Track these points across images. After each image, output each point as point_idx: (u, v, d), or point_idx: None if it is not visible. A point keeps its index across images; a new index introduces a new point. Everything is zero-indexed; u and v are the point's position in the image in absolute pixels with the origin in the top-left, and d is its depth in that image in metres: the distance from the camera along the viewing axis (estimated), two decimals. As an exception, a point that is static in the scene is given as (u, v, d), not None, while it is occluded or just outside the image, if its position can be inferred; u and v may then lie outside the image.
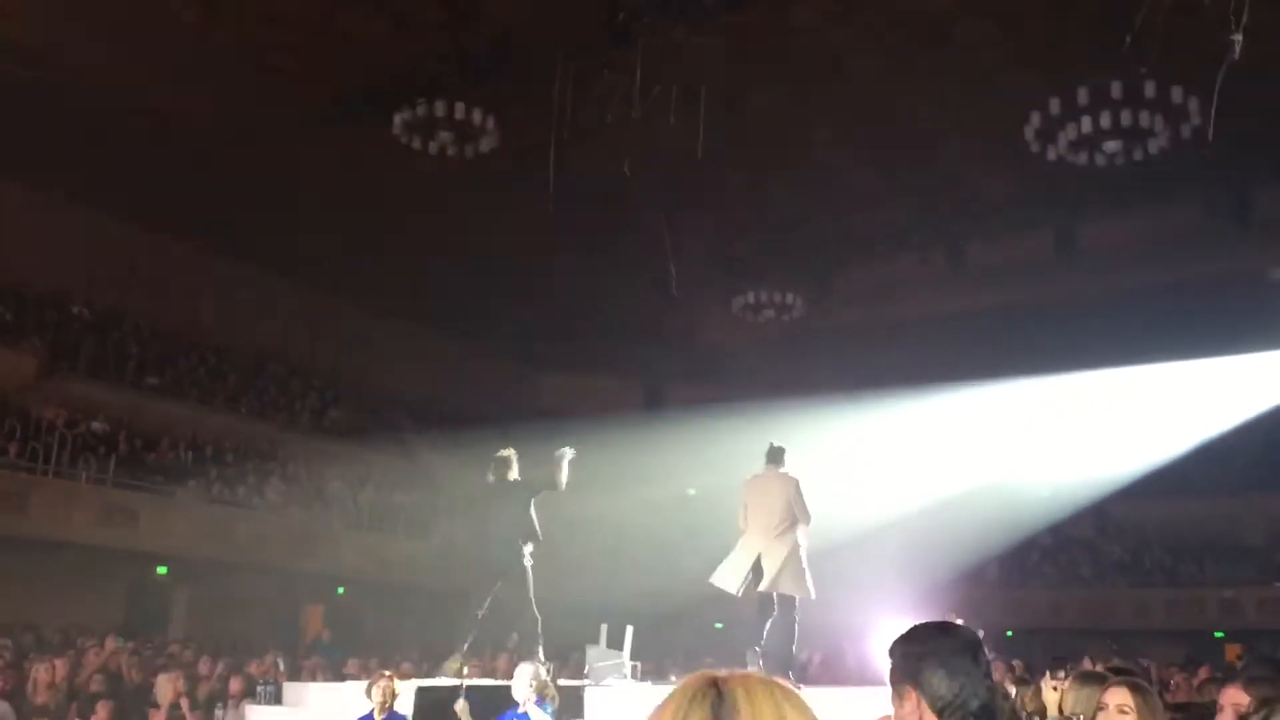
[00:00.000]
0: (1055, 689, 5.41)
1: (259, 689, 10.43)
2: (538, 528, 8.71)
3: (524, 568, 8.58)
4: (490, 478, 8.89)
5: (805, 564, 8.38)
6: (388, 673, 8.20)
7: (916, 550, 21.33)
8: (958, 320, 21.59)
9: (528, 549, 8.61)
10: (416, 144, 16.31)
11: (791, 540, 8.38)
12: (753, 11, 14.36)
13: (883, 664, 2.31)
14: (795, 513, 8.39)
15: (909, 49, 15.85)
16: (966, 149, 18.23)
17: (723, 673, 1.13)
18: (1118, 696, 3.21)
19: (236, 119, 17.31)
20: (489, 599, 8.66)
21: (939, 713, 2.14)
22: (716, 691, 1.09)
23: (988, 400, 22.99)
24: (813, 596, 8.38)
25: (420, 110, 16.04)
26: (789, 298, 22.14)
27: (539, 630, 8.63)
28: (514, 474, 8.85)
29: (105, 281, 21.20)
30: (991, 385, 22.76)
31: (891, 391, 21.94)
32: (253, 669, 12.93)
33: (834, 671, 15.68)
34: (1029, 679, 8.76)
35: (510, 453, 8.93)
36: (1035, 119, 14.92)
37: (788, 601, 8.43)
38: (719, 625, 22.56)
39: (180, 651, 14.37)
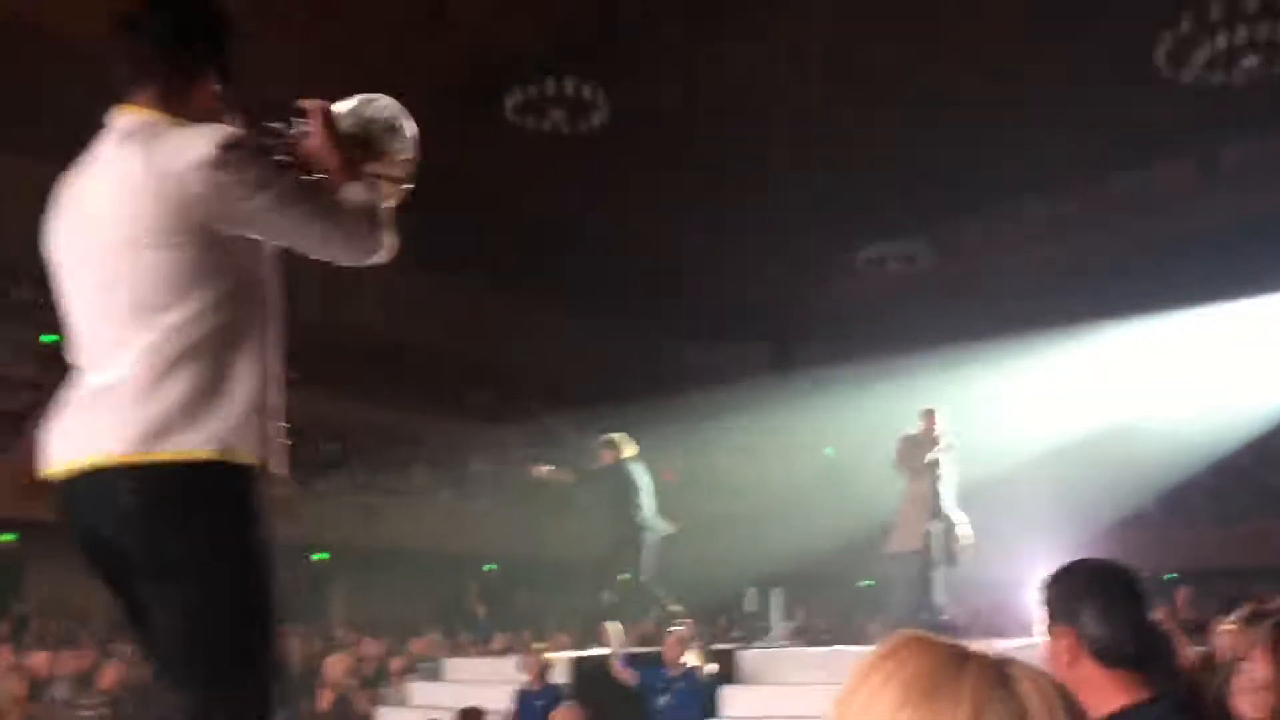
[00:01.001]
0: (1228, 633, 5.19)
1: (420, 666, 10.80)
2: (650, 508, 8.85)
3: (639, 542, 8.73)
4: (602, 460, 9.07)
5: (901, 516, 8.36)
6: (538, 645, 8.41)
7: (1069, 496, 20.75)
8: (1095, 257, 20.86)
9: (642, 529, 8.76)
10: (530, 124, 16.50)
11: (900, 498, 8.44)
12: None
13: (1036, 604, 2.23)
14: (903, 467, 8.42)
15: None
16: (1096, 78, 17.52)
17: (989, 655, 0.95)
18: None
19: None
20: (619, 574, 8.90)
21: (1096, 654, 2.06)
22: (1008, 692, 0.92)
23: (1134, 337, 22.17)
24: (892, 549, 8.34)
25: (531, 91, 16.21)
26: (914, 249, 21.68)
27: (667, 605, 8.72)
28: (626, 453, 8.98)
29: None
30: (1137, 321, 21.94)
31: (1029, 335, 21.34)
32: (414, 647, 13.38)
33: (987, 626, 15.41)
34: (1196, 623, 8.46)
35: (619, 436, 9.11)
36: (1167, 40, 14.29)
37: (901, 559, 8.41)
38: (867, 583, 22.40)
39: (344, 634, 14.95)
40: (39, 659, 9.75)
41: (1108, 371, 21.95)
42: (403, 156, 2.54)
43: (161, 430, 2.01)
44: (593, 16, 15.32)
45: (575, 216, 21.63)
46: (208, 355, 2.07)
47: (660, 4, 14.49)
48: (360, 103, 2.56)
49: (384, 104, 2.60)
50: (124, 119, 2.19)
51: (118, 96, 2.25)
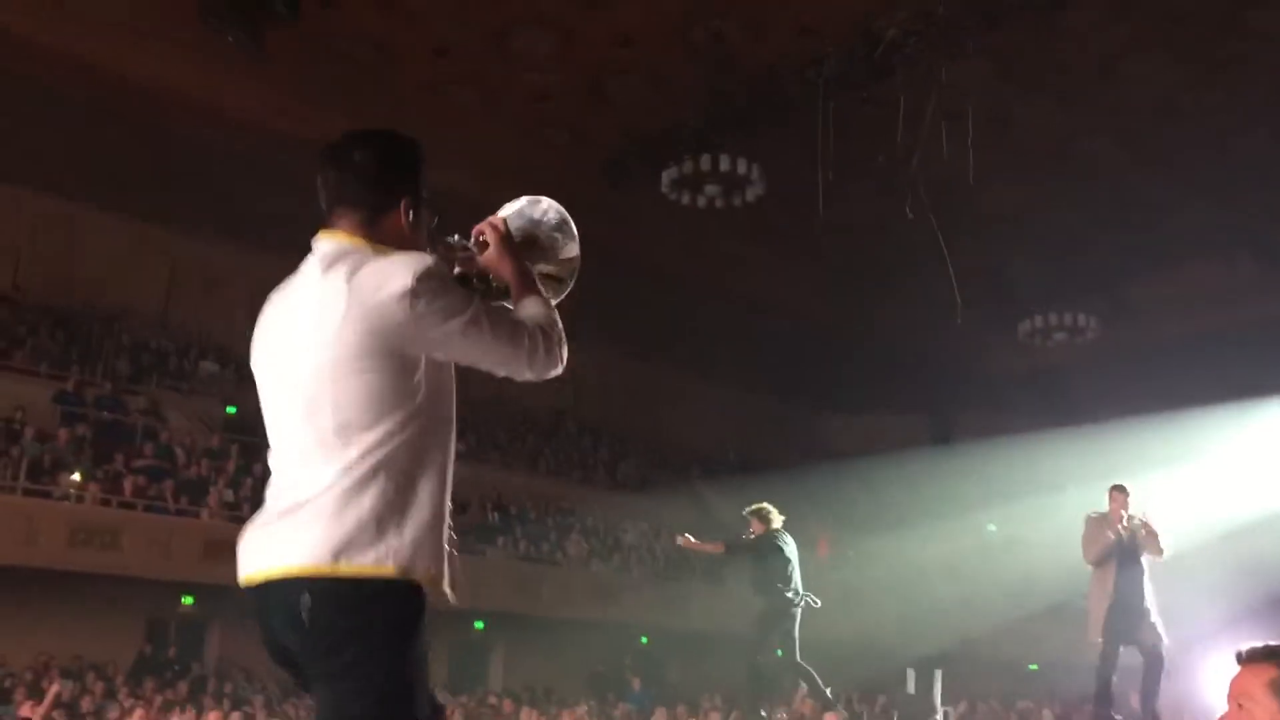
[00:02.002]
0: None
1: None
2: (798, 581, 8.64)
3: (792, 617, 8.52)
4: (752, 531, 8.88)
5: (1091, 606, 7.90)
6: (693, 721, 8.36)
7: (1254, 579, 19.54)
8: (1271, 325, 19.81)
9: (796, 600, 8.52)
10: (685, 199, 16.76)
11: (1090, 585, 7.96)
12: (1014, 28, 13.88)
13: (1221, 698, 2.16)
14: (1089, 552, 7.94)
15: (1192, 43, 14.87)
16: (1268, 140, 16.83)
17: None
18: None
19: (514, 190, 18.26)
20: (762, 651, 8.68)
21: None
22: None
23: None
24: (1093, 639, 7.86)
25: (687, 166, 16.50)
26: (1080, 318, 21.02)
27: (819, 683, 8.50)
28: (775, 524, 8.80)
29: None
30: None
31: (1204, 406, 20.34)
32: (565, 718, 13.44)
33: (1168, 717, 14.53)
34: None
35: (768, 506, 8.92)
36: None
37: (1096, 649, 7.94)
38: (1033, 667, 21.48)
39: (500, 702, 15.12)
40: (213, 719, 10.17)
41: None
42: (567, 254, 2.69)
43: (348, 546, 2.16)
44: (747, 93, 15.54)
45: (730, 288, 21.75)
46: (397, 473, 2.22)
47: (812, 80, 14.61)
48: (527, 204, 2.69)
49: (548, 205, 2.69)
50: (326, 244, 2.38)
51: (319, 219, 2.47)
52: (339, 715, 2.18)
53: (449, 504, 2.34)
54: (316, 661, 2.19)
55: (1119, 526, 7.88)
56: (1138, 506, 8.04)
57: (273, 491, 2.32)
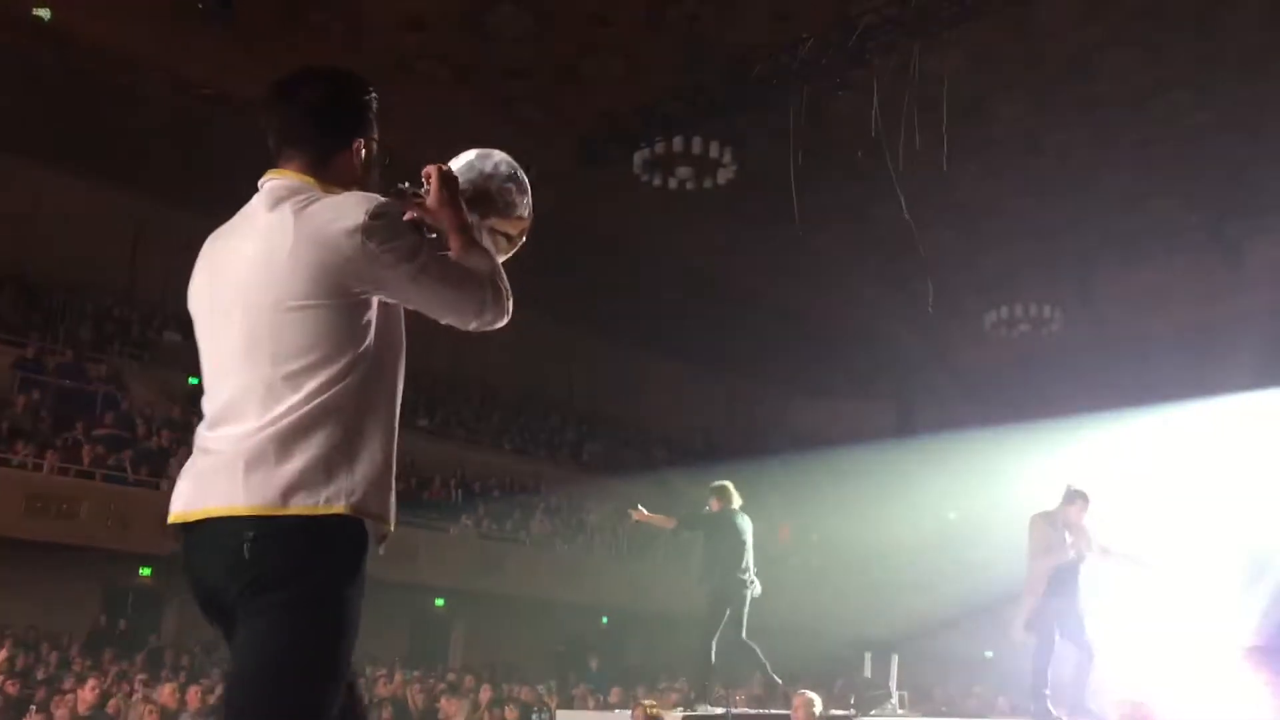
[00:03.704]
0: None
1: (533, 716, 10.84)
2: (752, 559, 8.64)
3: (742, 597, 8.50)
4: (711, 507, 8.84)
5: (1040, 607, 7.81)
6: (647, 701, 8.38)
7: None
8: (1238, 323, 20.04)
9: (749, 580, 8.53)
10: (657, 181, 16.72)
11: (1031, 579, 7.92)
12: (991, 20, 13.93)
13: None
14: (1036, 549, 7.86)
15: (1166, 40, 14.96)
16: (1241, 139, 16.99)
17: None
18: None
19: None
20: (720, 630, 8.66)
21: None
22: None
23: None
24: (1020, 640, 7.89)
25: (659, 148, 16.46)
26: (1046, 310, 21.17)
27: (762, 658, 8.53)
28: (734, 504, 8.76)
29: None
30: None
31: (1168, 401, 20.56)
32: (524, 696, 13.44)
33: None
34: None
35: (729, 484, 8.87)
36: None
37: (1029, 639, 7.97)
38: (989, 654, 21.69)
39: (459, 679, 15.11)
40: (168, 691, 10.09)
41: (1260, 441, 20.89)
42: (519, 211, 2.63)
43: (293, 487, 2.10)
44: (722, 77, 15.50)
45: (700, 273, 21.74)
46: (343, 415, 2.16)
47: (786, 66, 14.60)
48: (477, 157, 2.64)
49: (499, 158, 2.64)
50: (273, 182, 2.30)
51: (269, 160, 2.40)
52: (266, 648, 2.09)
53: (395, 445, 2.28)
54: (250, 598, 2.10)
55: (1071, 536, 7.70)
56: (1105, 524, 7.94)
57: (211, 431, 2.25)
